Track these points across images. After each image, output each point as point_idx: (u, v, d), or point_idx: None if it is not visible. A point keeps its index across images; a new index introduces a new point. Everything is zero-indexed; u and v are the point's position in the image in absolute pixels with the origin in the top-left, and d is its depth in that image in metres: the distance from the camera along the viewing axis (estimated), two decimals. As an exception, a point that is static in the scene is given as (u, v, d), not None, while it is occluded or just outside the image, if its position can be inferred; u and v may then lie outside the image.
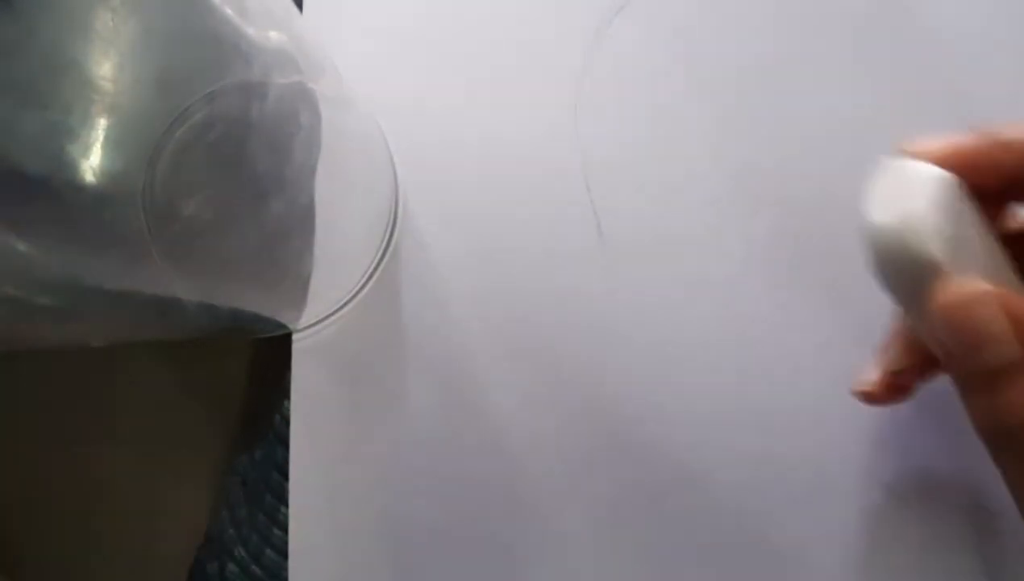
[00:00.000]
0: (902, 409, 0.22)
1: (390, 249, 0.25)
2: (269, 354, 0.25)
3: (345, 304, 0.24)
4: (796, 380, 0.23)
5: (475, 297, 0.25)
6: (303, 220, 0.20)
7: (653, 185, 0.24)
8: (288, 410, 0.24)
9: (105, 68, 0.14)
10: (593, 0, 0.25)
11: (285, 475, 0.24)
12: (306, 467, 0.24)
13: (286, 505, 0.24)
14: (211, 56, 0.16)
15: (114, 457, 0.24)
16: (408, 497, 0.24)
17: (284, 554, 0.23)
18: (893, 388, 0.21)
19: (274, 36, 0.18)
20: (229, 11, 0.16)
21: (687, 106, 0.25)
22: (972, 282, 0.17)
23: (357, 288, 0.25)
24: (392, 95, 0.26)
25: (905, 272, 0.18)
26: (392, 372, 0.24)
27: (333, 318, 0.24)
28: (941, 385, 0.20)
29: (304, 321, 0.24)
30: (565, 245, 0.24)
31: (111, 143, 0.14)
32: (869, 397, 0.21)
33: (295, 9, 0.20)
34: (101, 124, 0.14)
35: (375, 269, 0.25)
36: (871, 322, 0.22)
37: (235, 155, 0.17)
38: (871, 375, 0.21)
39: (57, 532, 0.25)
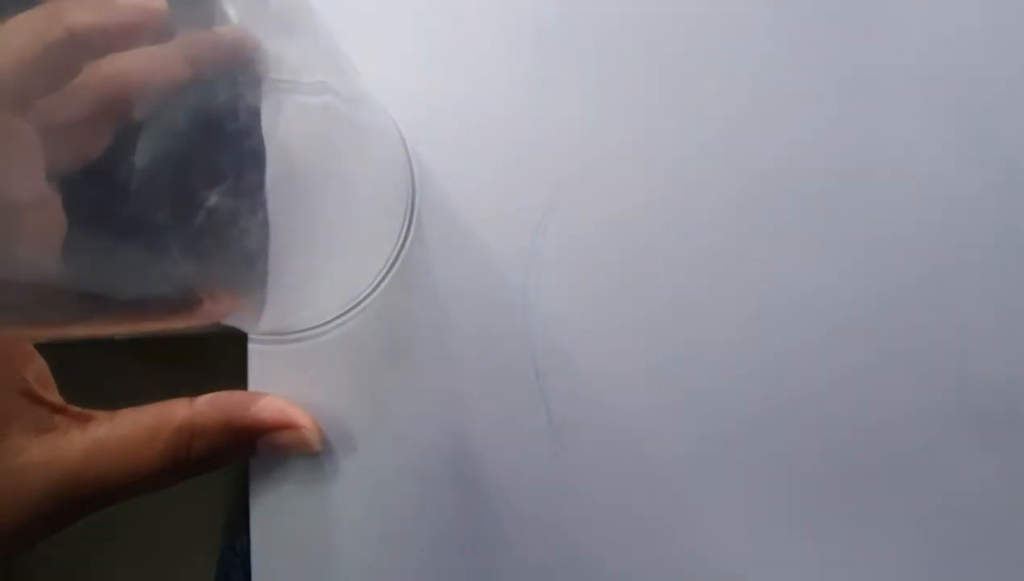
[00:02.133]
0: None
1: (407, 245, 0.25)
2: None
3: (363, 300, 0.25)
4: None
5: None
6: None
7: (600, 373, 0.24)
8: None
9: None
10: (539, 183, 0.25)
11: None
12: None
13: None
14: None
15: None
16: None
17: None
18: None
19: (297, 34, 0.18)
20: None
21: (630, 294, 0.25)
22: None
23: (375, 284, 0.25)
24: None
25: None
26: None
27: (351, 314, 0.25)
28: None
29: (321, 317, 0.24)
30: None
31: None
32: None
33: (315, 7, 0.20)
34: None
35: (392, 264, 0.25)
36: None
37: (255, 149, 0.17)
38: None
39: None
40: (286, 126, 0.18)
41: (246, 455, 0.23)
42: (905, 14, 0.26)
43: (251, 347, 0.24)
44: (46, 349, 0.22)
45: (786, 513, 0.23)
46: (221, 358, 0.25)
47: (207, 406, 0.22)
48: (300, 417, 0.23)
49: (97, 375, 0.28)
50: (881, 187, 0.25)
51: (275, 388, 0.24)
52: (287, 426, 0.23)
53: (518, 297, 0.25)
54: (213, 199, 0.17)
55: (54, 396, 0.22)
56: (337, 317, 0.24)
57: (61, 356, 0.22)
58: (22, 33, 0.13)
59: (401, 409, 0.24)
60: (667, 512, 0.24)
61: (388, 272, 0.25)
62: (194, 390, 0.23)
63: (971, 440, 0.23)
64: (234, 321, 0.21)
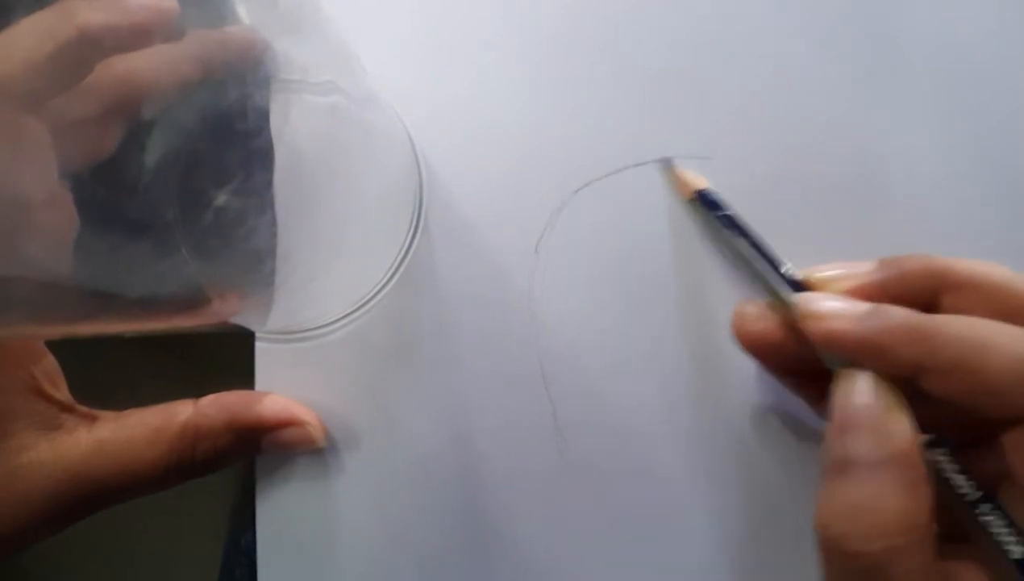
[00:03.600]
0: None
1: (414, 245, 0.25)
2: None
3: (369, 299, 0.25)
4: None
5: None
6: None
7: (606, 375, 0.24)
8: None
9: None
10: (546, 184, 0.25)
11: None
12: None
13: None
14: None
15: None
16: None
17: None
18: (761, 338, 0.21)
19: (306, 34, 0.18)
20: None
21: (636, 295, 0.25)
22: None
23: (381, 283, 0.25)
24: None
25: None
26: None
27: (358, 313, 0.25)
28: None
29: (328, 316, 0.24)
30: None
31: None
32: (741, 318, 0.22)
33: (323, 7, 0.20)
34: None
35: (399, 264, 0.25)
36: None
37: (264, 149, 0.17)
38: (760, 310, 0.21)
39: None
40: (294, 126, 0.18)
41: (251, 454, 0.23)
42: (913, 17, 0.26)
43: (258, 346, 0.24)
44: (57, 347, 0.22)
45: (790, 511, 0.23)
46: (229, 356, 0.25)
47: (211, 407, 0.22)
48: (303, 413, 0.23)
49: (106, 373, 0.28)
50: (889, 189, 0.25)
51: (281, 386, 0.24)
52: (291, 423, 0.23)
53: (524, 298, 0.25)
54: (222, 198, 0.17)
55: (63, 394, 0.22)
56: (344, 316, 0.25)
57: (71, 354, 0.22)
58: (34, 33, 0.13)
59: (406, 408, 0.24)
60: (671, 512, 0.24)
61: (395, 272, 0.25)
62: (202, 387, 0.23)
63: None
64: (242, 320, 0.21)
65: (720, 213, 0.23)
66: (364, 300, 0.25)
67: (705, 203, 0.24)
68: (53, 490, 0.20)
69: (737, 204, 0.24)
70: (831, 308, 0.19)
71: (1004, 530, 0.17)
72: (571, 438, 0.24)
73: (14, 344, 0.21)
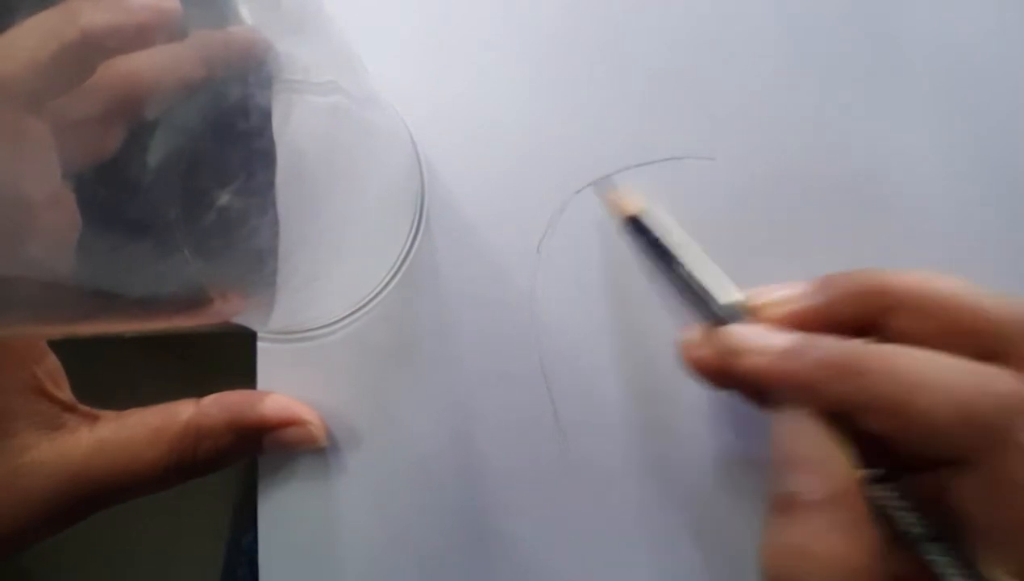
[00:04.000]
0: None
1: (415, 246, 0.25)
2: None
3: (371, 300, 0.25)
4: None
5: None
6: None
7: (607, 374, 0.24)
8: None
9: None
10: (547, 184, 0.25)
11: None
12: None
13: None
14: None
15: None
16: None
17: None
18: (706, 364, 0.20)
19: (308, 34, 0.18)
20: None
21: (636, 295, 0.24)
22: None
23: (383, 283, 0.25)
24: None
25: None
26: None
27: (359, 313, 0.25)
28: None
29: (330, 316, 0.24)
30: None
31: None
32: (684, 346, 0.21)
33: (325, 7, 0.20)
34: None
35: (401, 264, 0.25)
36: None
37: (266, 149, 0.17)
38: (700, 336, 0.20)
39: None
40: (296, 126, 0.18)
41: (253, 454, 0.23)
42: (913, 17, 0.26)
43: (260, 346, 0.24)
44: (58, 347, 0.22)
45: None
46: (230, 356, 0.25)
47: (213, 406, 0.22)
48: (305, 413, 0.23)
49: (106, 373, 0.28)
50: (889, 189, 0.25)
51: (283, 386, 0.24)
52: (292, 422, 0.23)
53: (525, 298, 0.25)
54: (224, 198, 0.17)
55: (65, 394, 0.22)
56: (345, 316, 0.25)
57: (72, 354, 0.22)
58: (37, 34, 0.13)
59: (407, 408, 0.24)
60: (672, 511, 0.24)
61: (396, 272, 0.25)
62: (203, 387, 0.23)
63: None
64: (244, 319, 0.21)
65: (648, 240, 0.22)
66: (366, 300, 0.25)
67: (635, 229, 0.23)
68: (54, 490, 0.21)
69: (737, 204, 0.24)
70: (752, 343, 0.18)
71: (950, 570, 0.16)
72: (572, 438, 0.24)
73: (16, 344, 0.21)
